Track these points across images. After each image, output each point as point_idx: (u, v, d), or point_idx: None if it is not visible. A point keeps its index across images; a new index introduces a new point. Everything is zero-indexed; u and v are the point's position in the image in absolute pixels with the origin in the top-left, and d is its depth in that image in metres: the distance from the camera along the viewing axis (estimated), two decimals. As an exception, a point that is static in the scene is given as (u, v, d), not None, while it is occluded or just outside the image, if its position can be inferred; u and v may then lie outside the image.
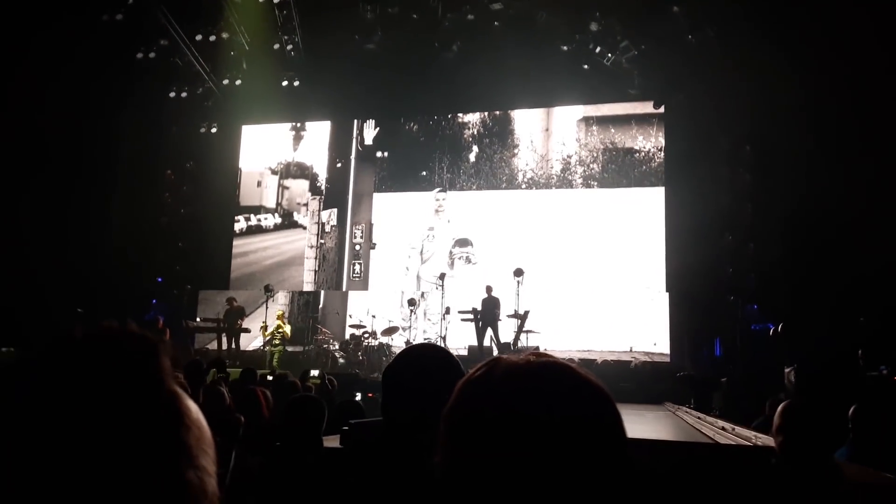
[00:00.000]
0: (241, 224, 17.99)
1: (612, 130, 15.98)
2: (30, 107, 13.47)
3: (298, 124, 17.99)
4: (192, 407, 0.64)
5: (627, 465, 0.76)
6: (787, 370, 7.39)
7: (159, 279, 16.61)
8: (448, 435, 0.79)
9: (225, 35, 15.62)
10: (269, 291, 15.67)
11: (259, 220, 18.00)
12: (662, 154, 15.54)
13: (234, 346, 14.98)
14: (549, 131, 16.51)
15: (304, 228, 17.51)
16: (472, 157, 16.86)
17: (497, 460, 0.73)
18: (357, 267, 17.00)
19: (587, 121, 16.16)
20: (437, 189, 16.80)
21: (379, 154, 17.42)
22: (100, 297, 14.18)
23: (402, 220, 16.91)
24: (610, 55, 14.52)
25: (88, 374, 0.58)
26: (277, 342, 14.49)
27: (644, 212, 15.25)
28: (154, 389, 0.61)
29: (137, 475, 0.56)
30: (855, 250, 10.76)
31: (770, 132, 12.86)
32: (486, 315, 13.03)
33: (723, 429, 5.26)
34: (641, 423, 7.19)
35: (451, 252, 16.38)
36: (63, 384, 0.58)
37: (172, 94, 16.55)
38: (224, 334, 15.07)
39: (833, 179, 11.03)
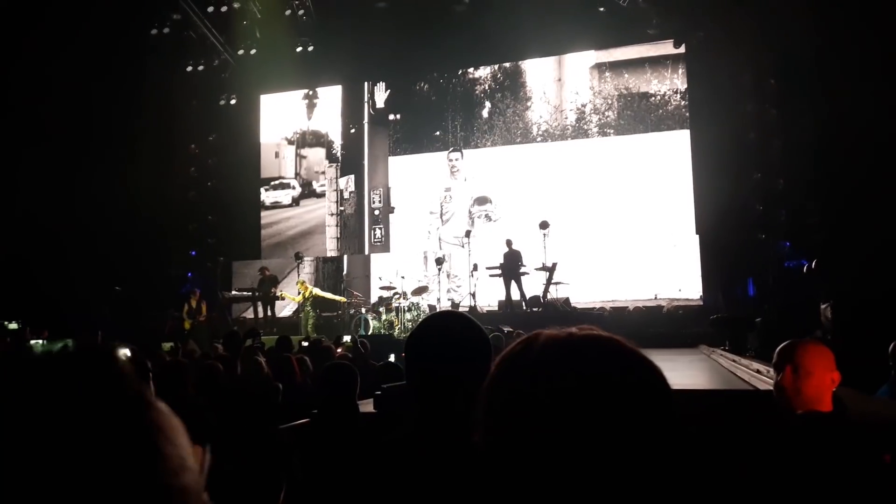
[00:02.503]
0: (262, 196, 18.11)
1: (626, 75, 15.62)
2: (53, 93, 13.52)
3: (311, 91, 17.89)
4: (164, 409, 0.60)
5: (678, 437, 0.73)
6: (823, 306, 7.28)
7: (192, 252, 16.88)
8: (487, 413, 0.76)
9: (236, 4, 15.49)
10: (299, 259, 15.96)
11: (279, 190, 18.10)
12: (678, 96, 15.20)
13: (269, 313, 15.25)
14: (562, 81, 16.20)
15: (323, 196, 17.56)
16: (485, 114, 16.66)
17: (539, 437, 0.70)
18: (378, 232, 17.05)
19: (600, 67, 15.81)
20: (450, 150, 16.67)
21: (391, 117, 17.29)
22: (135, 274, 14.45)
23: (419, 182, 16.85)
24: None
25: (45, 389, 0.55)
26: (308, 308, 14.70)
27: (663, 156, 14.99)
28: (115, 386, 0.58)
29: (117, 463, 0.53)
30: (889, 180, 10.47)
31: (793, 63, 12.45)
32: (508, 269, 13.01)
33: (758, 371, 5.22)
34: (674, 370, 7.18)
35: (470, 211, 16.32)
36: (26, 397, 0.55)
37: (189, 69, 16.54)
38: (259, 303, 15.34)
39: (863, 107, 10.67)
